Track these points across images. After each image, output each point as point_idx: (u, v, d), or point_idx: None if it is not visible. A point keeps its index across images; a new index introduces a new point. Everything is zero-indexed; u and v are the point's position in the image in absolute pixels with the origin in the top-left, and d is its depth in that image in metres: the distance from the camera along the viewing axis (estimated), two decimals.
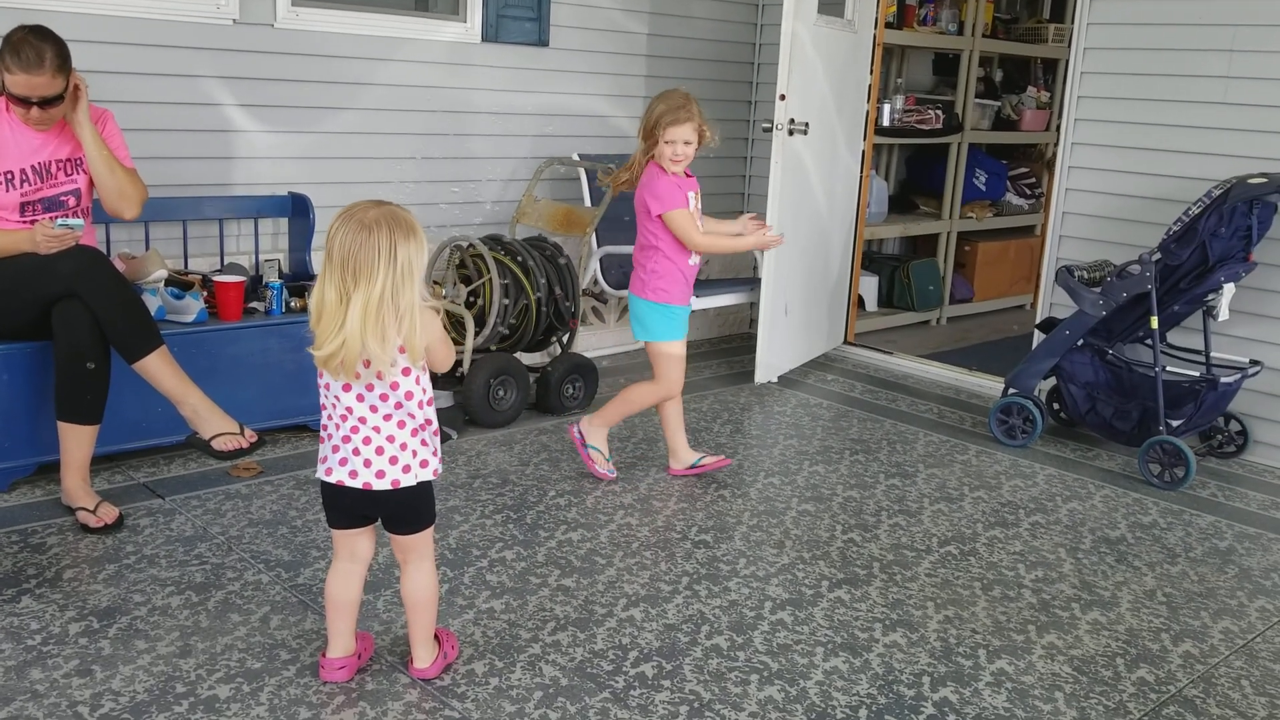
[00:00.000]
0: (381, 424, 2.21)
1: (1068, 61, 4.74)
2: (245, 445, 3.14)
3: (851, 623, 2.80)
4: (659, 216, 3.44)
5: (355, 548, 2.36)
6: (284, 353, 3.73)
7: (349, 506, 2.30)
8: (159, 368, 3.11)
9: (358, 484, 2.23)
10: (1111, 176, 4.54)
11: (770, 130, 4.64)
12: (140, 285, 3.50)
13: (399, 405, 2.20)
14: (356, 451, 2.22)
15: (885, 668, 2.59)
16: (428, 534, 2.35)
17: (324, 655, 2.40)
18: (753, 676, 2.51)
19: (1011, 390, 4.31)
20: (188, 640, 2.52)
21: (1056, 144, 4.83)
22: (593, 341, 5.24)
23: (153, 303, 3.46)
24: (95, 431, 3.12)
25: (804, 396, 4.83)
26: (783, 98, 4.56)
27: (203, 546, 3.01)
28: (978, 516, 3.55)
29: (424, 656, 2.39)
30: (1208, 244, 3.81)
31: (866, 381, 5.14)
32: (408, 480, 2.24)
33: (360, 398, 2.20)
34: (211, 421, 3.14)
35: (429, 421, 2.25)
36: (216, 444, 3.13)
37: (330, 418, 2.25)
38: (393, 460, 2.22)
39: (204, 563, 2.91)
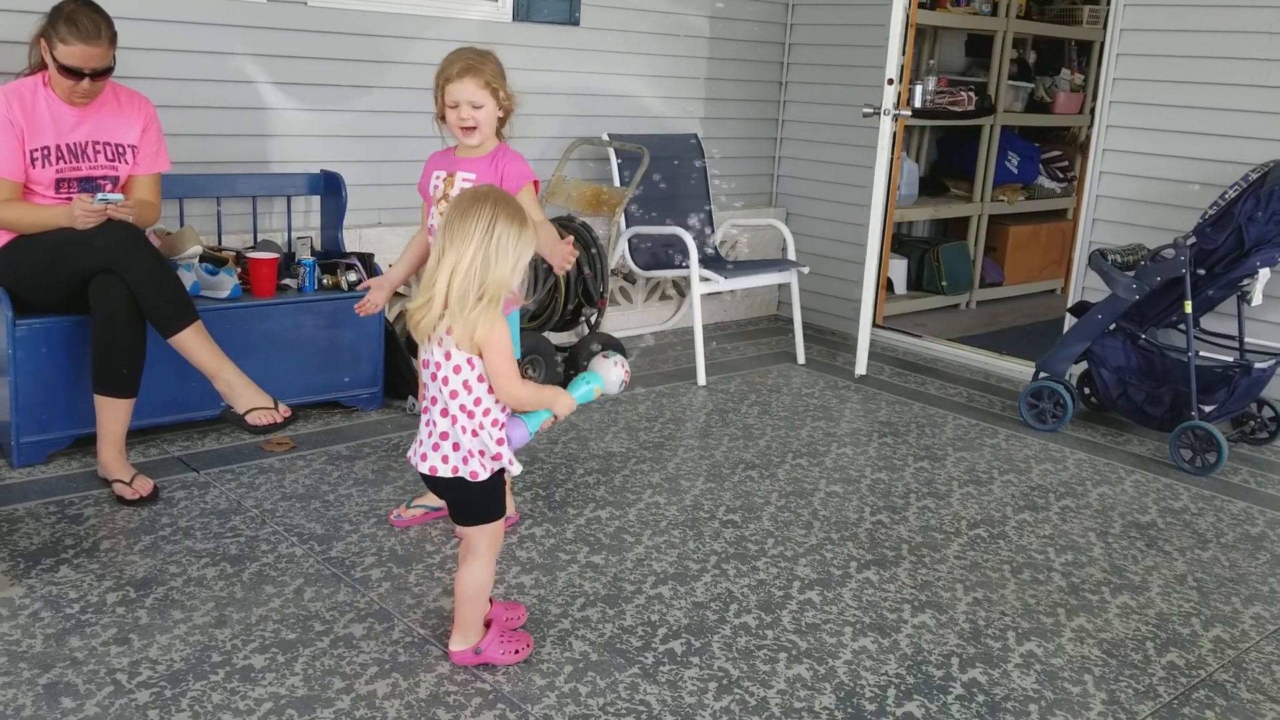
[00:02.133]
0: (429, 406, 2.26)
1: (1103, 43, 4.70)
2: (279, 420, 3.17)
3: (880, 603, 2.80)
4: None
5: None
6: (316, 329, 3.76)
7: (428, 485, 2.37)
8: (194, 342, 3.14)
9: (425, 468, 2.28)
10: (1146, 159, 4.50)
11: (875, 114, 4.57)
12: (175, 261, 3.53)
13: (444, 404, 2.22)
14: (428, 435, 2.27)
15: (914, 648, 2.59)
16: (484, 531, 2.32)
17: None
18: (781, 655, 2.52)
19: (1042, 374, 4.29)
20: (223, 611, 2.56)
21: (1090, 127, 4.79)
22: (621, 321, 5.24)
23: (188, 278, 3.49)
24: (131, 405, 3.15)
25: (831, 379, 4.82)
26: (891, 81, 4.50)
27: (237, 519, 3.04)
28: (1007, 500, 3.54)
29: (457, 640, 2.40)
30: (1244, 228, 3.77)
31: (895, 365, 5.13)
32: (444, 470, 2.25)
33: (433, 377, 2.24)
34: (246, 396, 3.17)
35: (464, 427, 2.21)
36: (251, 419, 3.16)
37: (426, 400, 2.30)
38: (435, 446, 2.25)
39: (238, 535, 2.95)
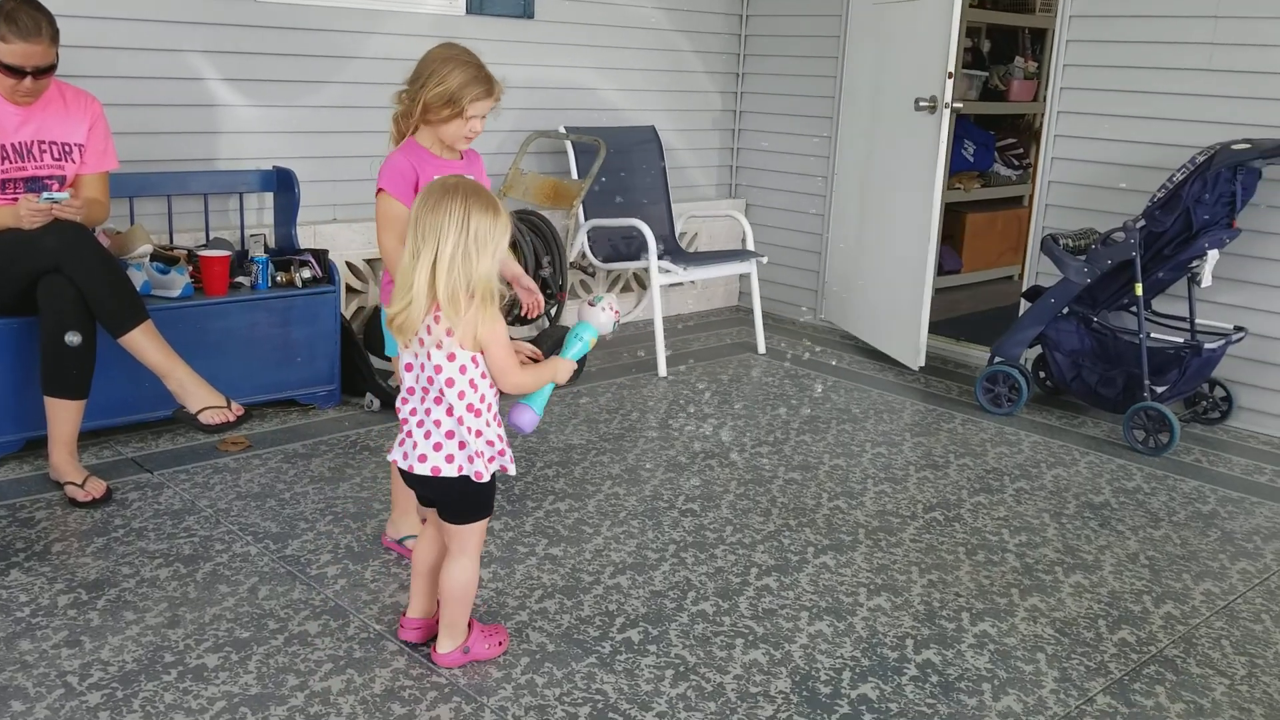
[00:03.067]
0: (433, 407, 2.19)
1: (1054, 30, 4.74)
2: (232, 419, 3.15)
3: (836, 588, 2.82)
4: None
5: (438, 520, 2.35)
6: (270, 327, 3.74)
7: (411, 485, 2.32)
8: (144, 342, 3.11)
9: (405, 466, 2.24)
10: (1097, 145, 4.54)
11: (931, 108, 4.56)
12: (126, 260, 3.49)
13: (439, 396, 2.17)
14: (410, 434, 2.23)
15: (869, 631, 2.61)
16: (472, 529, 2.29)
17: (403, 615, 2.44)
18: (738, 640, 2.53)
19: (997, 359, 4.33)
20: (176, 611, 2.54)
21: (1044, 114, 4.83)
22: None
23: (138, 278, 3.46)
24: (82, 407, 3.12)
25: (791, 368, 4.85)
26: (950, 75, 4.50)
27: (191, 519, 3.02)
28: (963, 483, 3.58)
29: (444, 643, 2.36)
30: (1192, 210, 3.82)
31: (854, 353, 5.16)
32: (449, 470, 2.19)
33: (417, 376, 2.19)
34: (198, 395, 3.15)
35: (461, 420, 2.17)
36: (203, 418, 3.14)
37: (400, 399, 2.25)
38: (436, 447, 2.19)
39: (192, 535, 2.92)
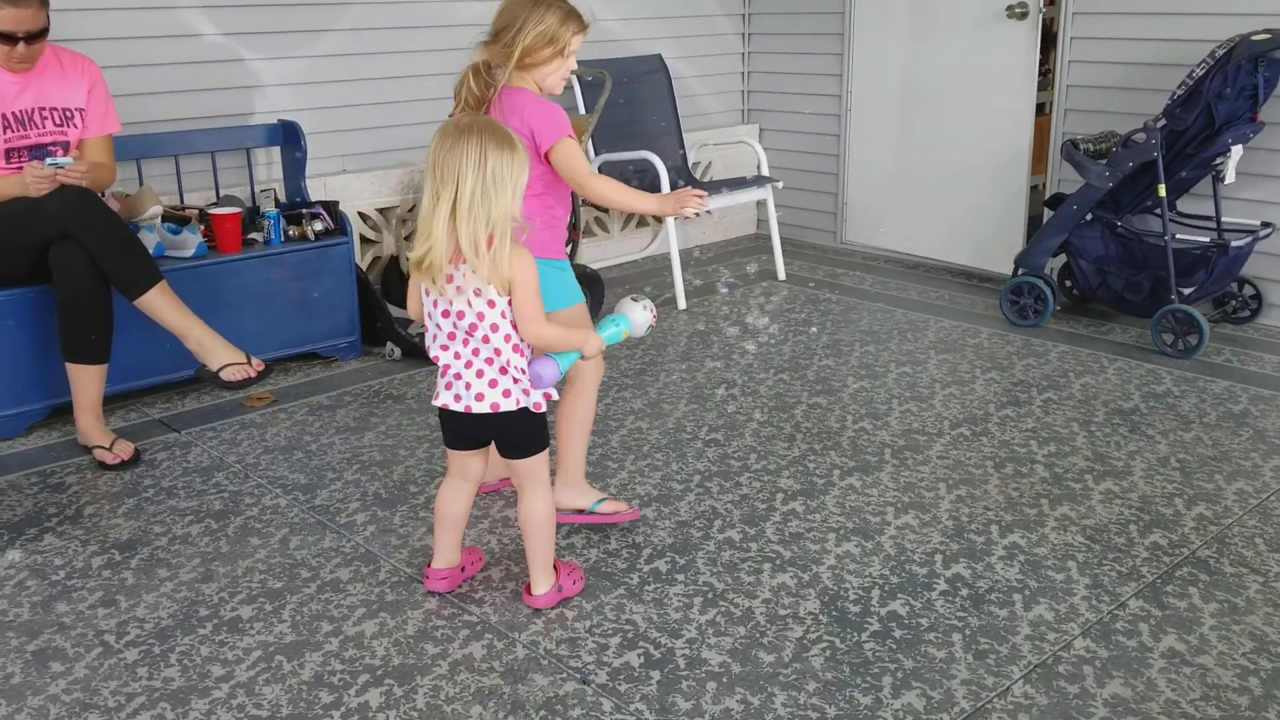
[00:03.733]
0: (480, 348, 2.18)
1: None
2: (253, 374, 3.16)
3: (863, 508, 2.81)
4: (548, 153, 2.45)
5: (466, 467, 2.36)
6: (287, 281, 3.74)
7: (459, 429, 2.30)
8: (160, 303, 3.12)
9: (460, 408, 2.23)
10: (1115, 45, 4.42)
11: (1023, 14, 4.56)
12: (136, 223, 3.49)
13: (486, 338, 2.17)
14: (459, 376, 2.22)
15: (897, 549, 2.60)
16: (537, 460, 2.30)
17: (428, 566, 2.45)
18: (765, 565, 2.53)
19: (1021, 270, 4.27)
20: (209, 566, 2.57)
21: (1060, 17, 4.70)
22: (597, 252, 5.21)
23: (150, 240, 3.45)
24: (103, 370, 3.14)
25: (813, 293, 4.80)
26: None
27: (220, 475, 3.05)
28: (990, 397, 3.54)
29: (540, 583, 2.36)
30: (1213, 106, 3.72)
31: (877, 274, 5.10)
32: (508, 405, 2.20)
33: (455, 323, 2.18)
34: (218, 353, 3.15)
35: (509, 363, 2.18)
36: (225, 375, 3.14)
37: (434, 342, 2.23)
38: (492, 384, 2.20)
39: (221, 491, 2.95)
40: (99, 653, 2.23)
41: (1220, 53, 3.70)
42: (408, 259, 2.20)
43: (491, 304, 2.15)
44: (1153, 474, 2.98)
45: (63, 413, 3.32)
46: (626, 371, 3.81)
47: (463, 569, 2.45)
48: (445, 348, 2.23)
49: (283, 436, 3.31)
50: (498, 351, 2.18)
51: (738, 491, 2.91)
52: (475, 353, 2.20)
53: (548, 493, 2.36)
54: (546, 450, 2.33)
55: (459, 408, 2.24)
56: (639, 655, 2.20)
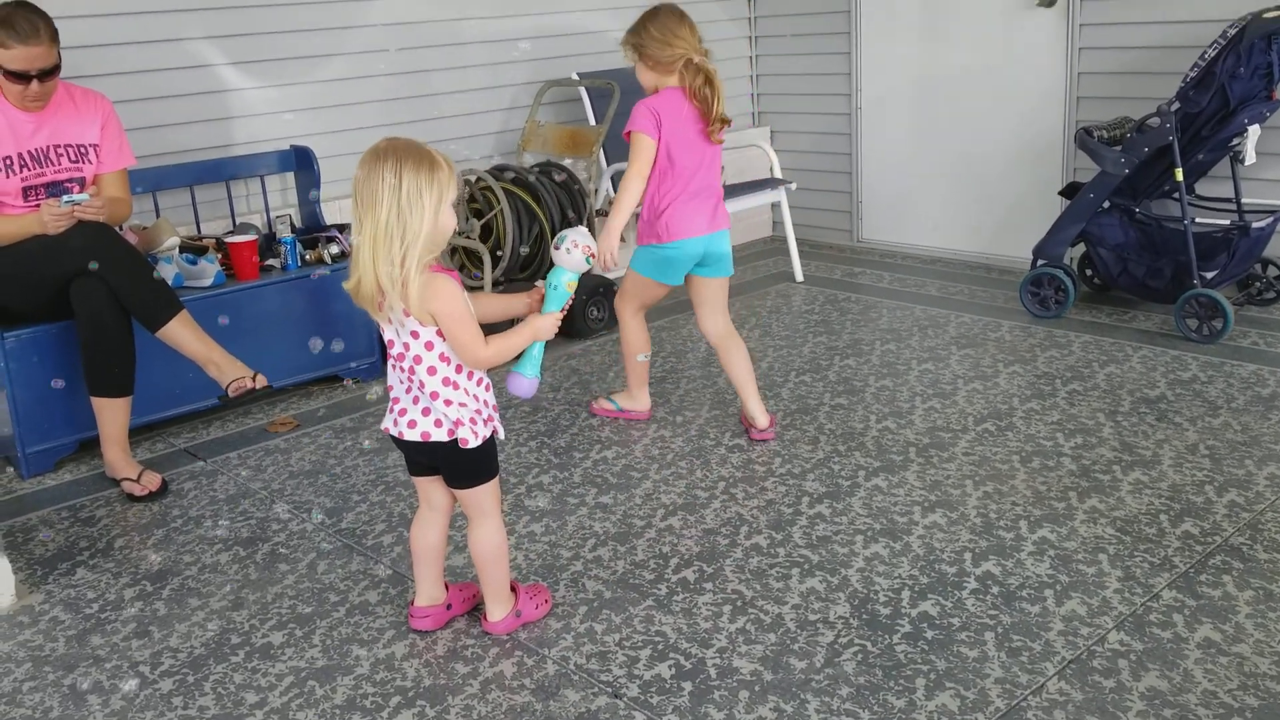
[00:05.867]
0: (411, 379, 2.16)
1: None
2: (251, 385, 3.11)
3: (890, 509, 2.79)
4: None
5: (430, 495, 2.33)
6: (306, 305, 3.76)
7: (407, 455, 2.29)
8: (182, 333, 3.14)
9: (395, 432, 2.22)
10: (1125, 30, 4.39)
11: (1051, 2, 4.58)
12: (155, 255, 3.52)
13: (412, 370, 2.14)
14: (397, 400, 2.21)
15: (926, 549, 2.59)
16: (483, 490, 2.25)
17: (411, 604, 2.40)
18: (794, 570, 2.52)
19: (1040, 261, 4.24)
20: (239, 593, 2.58)
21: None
22: None
23: (168, 271, 3.48)
24: (128, 403, 3.17)
25: (831, 293, 4.79)
26: None
27: (246, 503, 3.06)
28: (1014, 391, 3.52)
29: (494, 610, 2.34)
30: (1227, 86, 3.68)
31: (896, 270, 5.08)
32: (438, 435, 2.17)
33: (391, 343, 2.16)
34: (229, 373, 3.15)
35: (436, 395, 2.14)
36: (231, 390, 3.13)
37: (388, 367, 2.22)
38: (425, 412, 2.17)
39: (249, 518, 2.97)
40: (135, 684, 2.24)
41: (1232, 32, 3.67)
42: None
43: (415, 335, 2.11)
44: (1182, 462, 2.95)
45: (90, 447, 3.35)
46: (648, 380, 3.80)
47: (449, 606, 2.40)
48: (392, 370, 2.20)
49: (307, 460, 3.32)
50: (422, 384, 2.14)
51: (763, 497, 2.90)
52: (409, 379, 2.17)
53: (496, 522, 2.30)
54: (494, 480, 2.27)
55: (395, 432, 2.22)
56: (670, 666, 2.20)
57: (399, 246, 2.01)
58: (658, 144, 3.07)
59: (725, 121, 3.14)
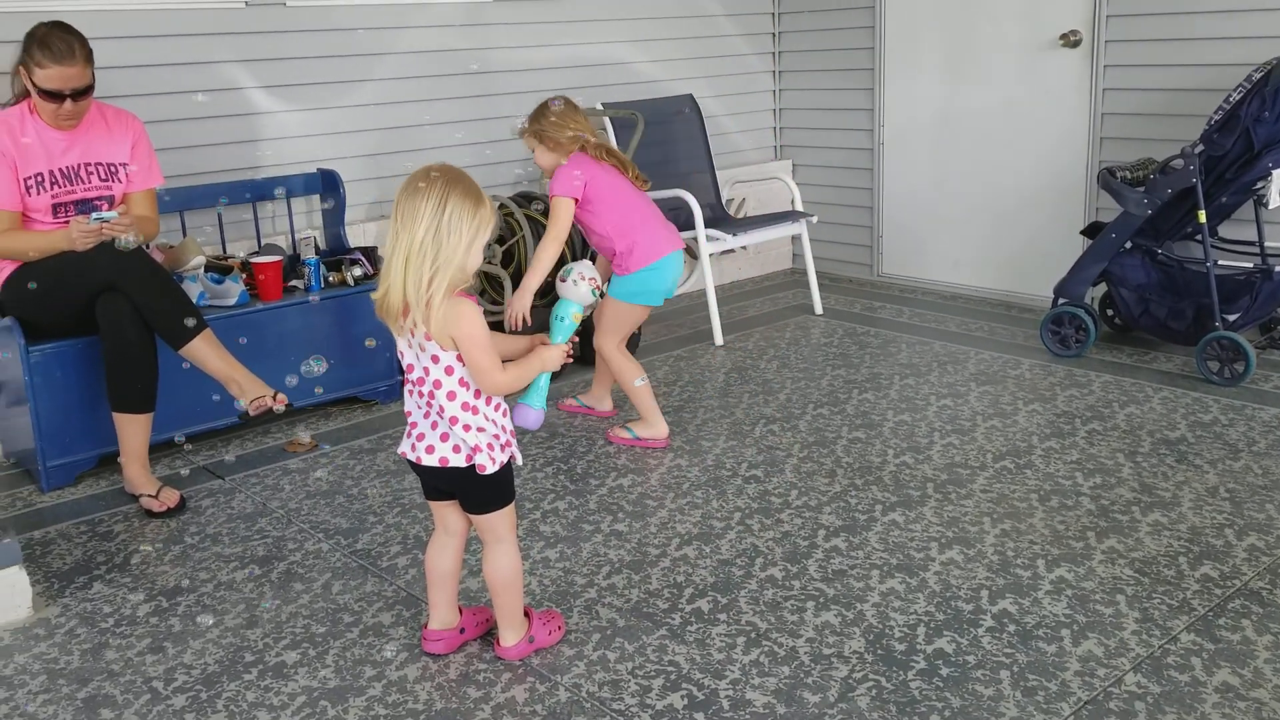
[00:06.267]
0: (429, 404, 2.17)
1: None
2: (272, 404, 3.13)
3: (907, 544, 2.78)
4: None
5: (445, 520, 2.33)
6: (328, 327, 3.78)
7: (423, 479, 2.29)
8: (204, 351, 3.16)
9: (413, 457, 2.22)
10: (1150, 71, 4.41)
11: (1075, 43, 4.61)
12: (180, 273, 3.55)
13: (431, 394, 2.14)
14: (415, 424, 2.22)
15: (942, 585, 2.57)
16: (499, 516, 2.25)
17: (425, 626, 2.40)
18: (809, 604, 2.51)
19: (1061, 300, 4.23)
20: (253, 612, 2.59)
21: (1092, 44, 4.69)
22: None
23: (193, 289, 3.51)
24: (149, 419, 3.19)
25: (851, 326, 4.79)
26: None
27: (263, 521, 3.07)
28: (1033, 429, 3.50)
29: (507, 636, 2.34)
30: (1251, 130, 3.68)
31: (915, 305, 5.08)
32: (456, 460, 2.17)
33: (410, 368, 2.17)
34: (250, 391, 3.17)
35: (455, 420, 2.14)
36: (251, 408, 3.15)
37: (406, 392, 2.23)
38: (443, 438, 2.17)
39: (265, 536, 2.98)
40: (147, 699, 2.25)
41: (1257, 76, 3.67)
42: None
43: (436, 359, 2.12)
44: (1202, 504, 2.93)
45: (110, 462, 3.37)
46: (665, 409, 3.80)
47: (462, 630, 2.40)
48: (409, 394, 2.21)
49: (325, 481, 3.33)
50: (441, 410, 2.15)
51: (779, 529, 2.89)
52: (428, 405, 2.17)
53: (511, 548, 2.30)
54: (510, 505, 2.27)
55: (413, 457, 2.22)
56: (682, 697, 2.19)
57: (429, 267, 2.03)
58: (599, 190, 3.35)
59: (643, 179, 3.50)
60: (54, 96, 3.09)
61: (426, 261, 2.03)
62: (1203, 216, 3.78)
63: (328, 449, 3.54)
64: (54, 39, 3.03)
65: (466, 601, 2.54)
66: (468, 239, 2.05)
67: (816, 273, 5.08)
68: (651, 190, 4.82)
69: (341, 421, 3.84)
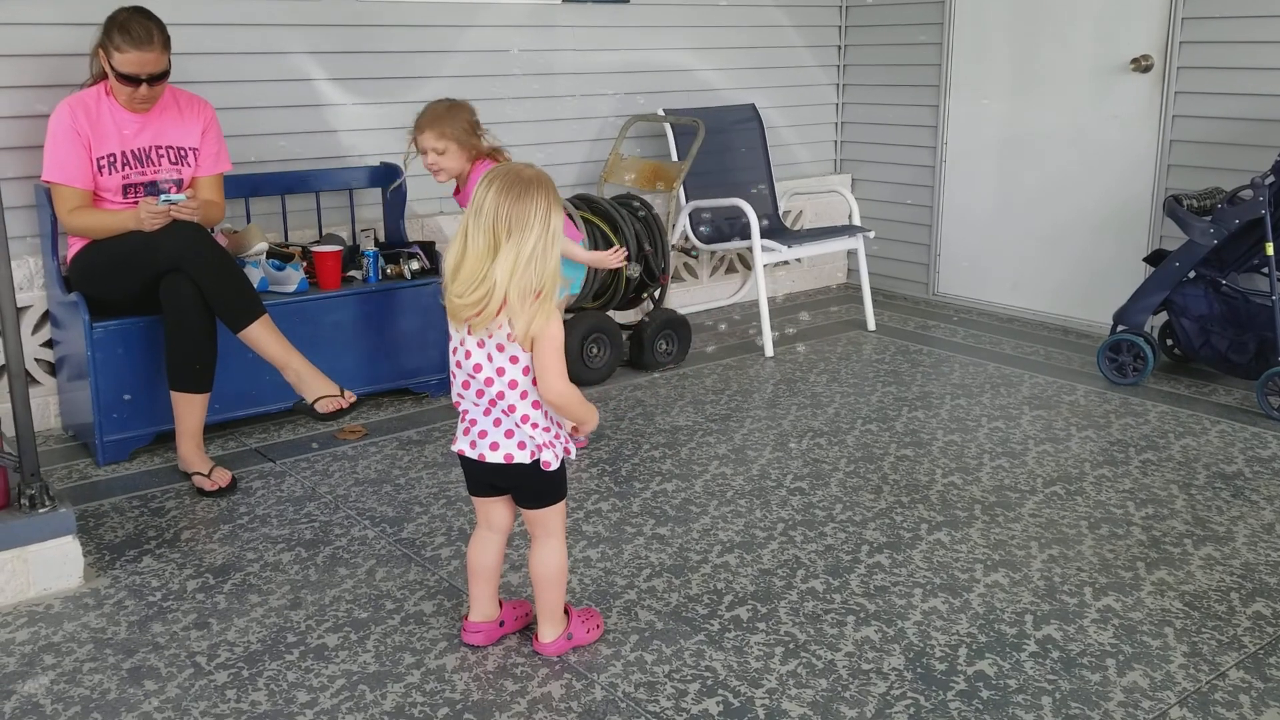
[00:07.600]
0: (498, 401, 2.18)
1: None
2: (345, 405, 3.22)
3: (951, 564, 2.75)
4: None
5: (490, 516, 2.35)
6: (383, 318, 3.82)
7: (477, 477, 2.30)
8: (263, 336, 3.22)
9: (474, 455, 2.23)
10: (1221, 100, 4.34)
11: (1147, 69, 4.57)
12: (243, 258, 3.61)
13: (502, 394, 2.16)
14: (475, 422, 2.23)
15: (986, 607, 2.54)
16: (553, 511, 2.28)
17: (465, 618, 2.42)
18: (849, 618, 2.50)
19: (1120, 327, 4.17)
20: (298, 593, 2.62)
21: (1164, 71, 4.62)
22: (685, 297, 5.23)
23: (255, 275, 3.57)
24: (206, 400, 3.24)
25: (903, 344, 4.75)
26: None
27: (311, 506, 3.11)
28: (1085, 456, 3.46)
29: (546, 632, 2.35)
30: None
31: (969, 326, 5.03)
32: (521, 457, 2.20)
33: (478, 367, 2.17)
34: (313, 385, 3.23)
35: (526, 418, 2.17)
36: (319, 406, 3.22)
37: (457, 389, 2.23)
38: (508, 434, 2.20)
39: (313, 521, 3.02)
40: (190, 673, 2.28)
41: None
42: None
43: (514, 360, 2.14)
44: (1256, 541, 2.87)
45: (165, 439, 3.43)
46: (712, 416, 3.81)
47: (502, 623, 2.41)
48: (464, 392, 2.22)
49: (373, 469, 3.37)
50: (512, 408, 2.17)
51: (822, 541, 2.88)
52: (492, 404, 2.18)
53: (560, 544, 2.32)
54: (563, 501, 2.30)
55: (474, 455, 2.23)
56: (717, 703, 2.18)
57: (536, 276, 2.06)
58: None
59: None
60: (131, 80, 3.16)
61: (533, 270, 2.05)
62: (1270, 249, 3.71)
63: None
64: (134, 24, 3.10)
65: (506, 595, 2.55)
66: (559, 249, 2.11)
67: (871, 289, 5.05)
68: (709, 199, 4.86)
69: (391, 412, 3.88)
